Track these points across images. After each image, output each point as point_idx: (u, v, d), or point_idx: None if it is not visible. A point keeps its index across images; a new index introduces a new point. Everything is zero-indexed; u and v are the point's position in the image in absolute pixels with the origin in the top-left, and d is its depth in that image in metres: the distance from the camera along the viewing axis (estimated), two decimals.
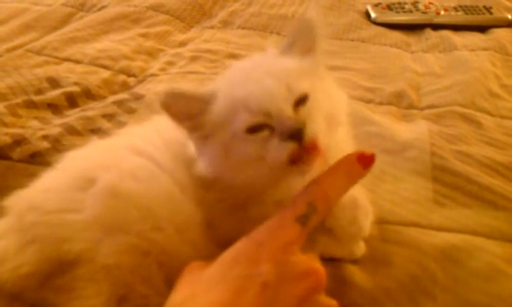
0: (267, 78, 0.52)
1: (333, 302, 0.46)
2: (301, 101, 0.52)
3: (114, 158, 0.57)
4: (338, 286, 0.56)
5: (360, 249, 0.60)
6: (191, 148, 0.57)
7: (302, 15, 0.55)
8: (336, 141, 0.56)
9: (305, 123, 0.50)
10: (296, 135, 0.49)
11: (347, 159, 0.50)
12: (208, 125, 0.54)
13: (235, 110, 0.52)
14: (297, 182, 0.51)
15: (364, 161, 0.49)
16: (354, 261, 0.60)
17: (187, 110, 0.54)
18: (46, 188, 0.56)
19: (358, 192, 0.58)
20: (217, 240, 0.54)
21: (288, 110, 0.50)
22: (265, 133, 0.51)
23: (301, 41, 0.58)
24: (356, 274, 0.59)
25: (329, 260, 0.58)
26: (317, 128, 0.50)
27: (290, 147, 0.49)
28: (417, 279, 0.58)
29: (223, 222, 0.56)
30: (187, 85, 0.99)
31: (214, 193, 0.56)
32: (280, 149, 0.49)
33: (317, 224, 0.48)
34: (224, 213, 0.56)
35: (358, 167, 0.49)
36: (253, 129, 0.51)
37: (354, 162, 0.49)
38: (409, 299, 0.56)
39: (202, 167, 0.55)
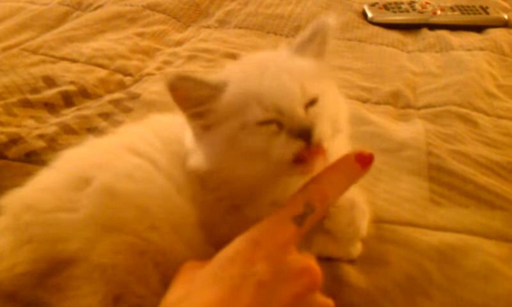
0: (283, 75, 0.52)
1: (329, 301, 0.46)
2: (311, 102, 0.52)
3: (110, 158, 0.57)
4: (334, 285, 0.57)
5: (357, 249, 0.61)
6: (188, 139, 0.57)
7: (320, 17, 0.55)
8: (334, 146, 0.56)
9: (314, 124, 0.50)
10: (305, 134, 0.50)
11: (345, 159, 0.50)
12: (215, 113, 0.53)
13: (247, 103, 0.52)
14: (294, 183, 0.51)
15: (363, 161, 0.50)
16: (351, 261, 0.60)
17: (194, 96, 0.53)
18: (42, 187, 0.56)
19: (355, 193, 0.58)
20: (212, 240, 0.54)
21: (300, 110, 0.51)
22: (274, 127, 0.51)
23: (315, 43, 0.58)
24: (352, 273, 0.59)
25: (325, 260, 0.58)
26: (324, 130, 0.51)
27: (297, 145, 0.50)
28: (413, 279, 0.58)
29: (218, 222, 0.56)
30: None
31: (210, 191, 0.56)
32: (287, 146, 0.50)
33: (315, 223, 0.48)
34: (220, 214, 0.56)
35: (357, 167, 0.50)
36: (263, 123, 0.51)
37: (353, 162, 0.50)
38: (406, 299, 0.57)
39: (198, 159, 0.55)
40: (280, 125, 0.51)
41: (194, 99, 0.53)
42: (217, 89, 0.54)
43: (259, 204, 0.55)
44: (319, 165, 0.50)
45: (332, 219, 0.57)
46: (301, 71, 0.55)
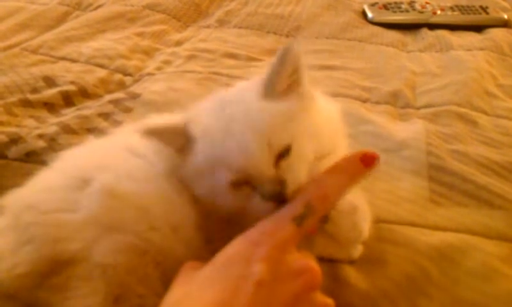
0: (248, 135, 0.50)
1: (329, 301, 0.46)
2: (283, 153, 0.51)
3: (110, 159, 0.57)
4: (334, 285, 0.57)
5: (358, 250, 0.61)
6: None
7: (282, 46, 0.51)
8: (328, 160, 0.54)
9: (285, 181, 0.49)
10: (277, 197, 0.49)
11: (349, 159, 0.50)
12: (189, 167, 0.54)
13: (215, 167, 0.52)
14: None
15: (367, 161, 0.49)
16: (350, 262, 0.60)
17: (169, 144, 0.55)
18: (42, 187, 0.56)
19: (355, 194, 0.58)
20: (211, 241, 0.54)
21: (268, 170, 0.50)
22: (247, 189, 0.51)
23: (284, 75, 0.54)
24: (352, 273, 0.59)
25: (324, 260, 0.58)
26: (298, 180, 0.50)
27: (271, 206, 0.49)
28: (413, 279, 0.58)
29: (214, 229, 0.55)
30: (185, 84, 0.99)
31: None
32: (262, 207, 0.50)
33: (315, 223, 0.48)
34: (217, 224, 0.56)
35: (361, 167, 0.49)
36: (235, 184, 0.51)
37: (357, 162, 0.49)
38: (405, 299, 0.57)
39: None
40: (252, 187, 0.51)
41: (170, 144, 0.55)
42: (187, 138, 0.54)
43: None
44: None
45: (334, 223, 0.57)
46: (269, 121, 0.51)
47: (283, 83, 0.54)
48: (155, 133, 0.53)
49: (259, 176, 0.50)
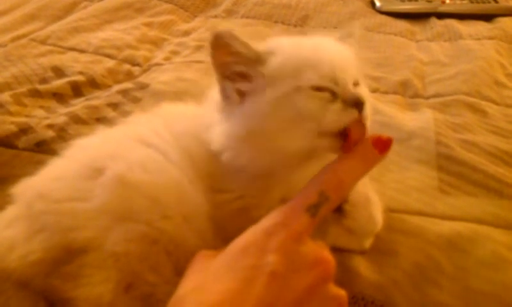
0: (337, 50, 0.55)
1: (342, 292, 0.45)
2: (356, 84, 0.54)
3: (122, 148, 0.57)
4: (344, 275, 0.57)
5: (369, 240, 0.61)
6: (210, 112, 0.57)
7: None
8: None
9: (364, 99, 0.51)
10: (359, 105, 0.50)
11: (362, 144, 0.49)
12: (260, 78, 0.53)
13: (301, 68, 0.52)
14: (306, 180, 0.49)
15: (381, 145, 0.48)
16: (361, 252, 0.60)
17: (240, 55, 0.53)
18: (54, 176, 0.56)
19: (364, 184, 0.58)
20: (222, 234, 0.54)
21: (351, 84, 0.53)
22: (327, 95, 0.51)
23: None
24: (362, 263, 0.59)
25: (334, 250, 0.58)
26: (369, 106, 0.52)
27: (352, 113, 0.50)
28: (422, 268, 0.58)
29: (226, 221, 0.55)
30: (193, 74, 0.99)
31: (218, 193, 0.56)
32: (341, 113, 0.50)
33: (330, 212, 0.47)
34: (227, 215, 0.56)
35: (374, 152, 0.48)
36: (318, 89, 0.51)
37: (370, 147, 0.48)
38: (415, 288, 0.57)
39: (226, 130, 0.55)
40: (334, 94, 0.51)
41: (239, 58, 0.53)
42: (262, 53, 0.54)
43: (268, 204, 0.53)
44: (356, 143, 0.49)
45: (351, 216, 0.57)
46: (349, 53, 0.57)
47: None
48: (230, 34, 0.53)
49: (346, 84, 0.52)
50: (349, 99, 0.50)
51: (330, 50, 0.55)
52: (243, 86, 0.54)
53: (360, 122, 0.50)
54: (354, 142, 0.49)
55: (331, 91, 0.51)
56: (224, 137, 0.55)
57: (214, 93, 0.58)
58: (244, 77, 0.54)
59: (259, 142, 0.53)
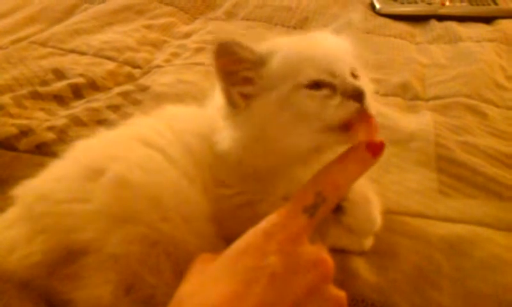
0: (332, 43, 0.57)
1: (341, 293, 0.45)
2: (353, 75, 0.54)
3: (122, 149, 0.57)
4: (344, 277, 0.57)
5: (369, 241, 0.61)
6: (215, 117, 0.57)
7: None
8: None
9: (364, 89, 0.51)
10: (359, 96, 0.50)
11: (356, 147, 0.49)
12: (262, 79, 0.54)
13: (299, 66, 0.53)
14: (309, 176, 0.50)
15: (373, 149, 0.48)
16: (361, 253, 0.60)
17: (245, 61, 0.54)
18: (55, 178, 0.56)
19: (363, 185, 0.58)
20: (222, 234, 0.54)
21: (349, 74, 0.53)
22: (327, 91, 0.52)
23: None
24: (362, 265, 0.59)
25: (335, 251, 0.58)
26: (369, 94, 0.52)
27: (352, 106, 0.50)
28: (423, 270, 0.58)
29: (228, 218, 0.56)
30: (193, 76, 0.99)
31: (223, 187, 0.56)
32: (342, 107, 0.51)
33: (326, 213, 0.47)
34: (230, 210, 0.56)
35: (368, 156, 0.48)
36: (316, 85, 0.52)
37: (364, 150, 0.48)
38: (415, 290, 0.57)
39: (234, 134, 0.55)
40: (333, 89, 0.51)
41: (245, 65, 0.54)
42: (263, 55, 0.54)
43: (272, 198, 0.55)
44: (363, 135, 0.49)
45: (350, 215, 0.57)
46: (345, 45, 0.58)
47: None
48: (234, 42, 0.53)
49: (343, 74, 0.52)
50: (347, 90, 0.51)
51: (324, 44, 0.56)
52: (247, 89, 0.54)
53: (364, 112, 0.50)
54: (361, 133, 0.50)
55: (330, 85, 0.52)
56: (232, 141, 0.55)
57: (217, 98, 0.58)
58: (247, 80, 0.54)
59: (267, 143, 0.54)
